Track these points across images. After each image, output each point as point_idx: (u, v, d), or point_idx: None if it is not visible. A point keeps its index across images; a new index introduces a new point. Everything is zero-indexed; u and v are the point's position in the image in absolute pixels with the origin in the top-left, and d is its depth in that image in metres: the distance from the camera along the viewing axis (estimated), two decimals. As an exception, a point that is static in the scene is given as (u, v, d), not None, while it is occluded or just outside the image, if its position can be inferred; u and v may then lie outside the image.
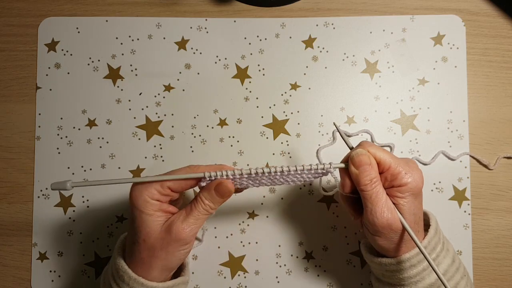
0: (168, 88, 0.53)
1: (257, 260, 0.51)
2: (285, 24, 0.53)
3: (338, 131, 0.42)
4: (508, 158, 0.51)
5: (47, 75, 0.53)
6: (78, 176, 0.52)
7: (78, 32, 0.53)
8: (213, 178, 0.39)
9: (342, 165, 0.40)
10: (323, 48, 0.53)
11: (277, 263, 0.51)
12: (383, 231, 0.38)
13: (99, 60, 0.53)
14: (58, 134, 0.53)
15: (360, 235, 0.51)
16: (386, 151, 0.40)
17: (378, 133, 0.52)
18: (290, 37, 0.53)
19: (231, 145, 0.52)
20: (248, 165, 0.52)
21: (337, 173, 0.42)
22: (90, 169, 0.52)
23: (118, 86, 0.53)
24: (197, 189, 0.41)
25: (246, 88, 0.53)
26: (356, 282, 0.51)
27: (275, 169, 0.39)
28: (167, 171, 0.52)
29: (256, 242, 0.51)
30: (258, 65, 0.53)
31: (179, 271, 0.45)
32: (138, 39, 0.53)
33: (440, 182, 0.51)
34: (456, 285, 0.40)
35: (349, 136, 0.52)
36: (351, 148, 0.41)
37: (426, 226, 0.42)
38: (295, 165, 0.39)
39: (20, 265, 0.52)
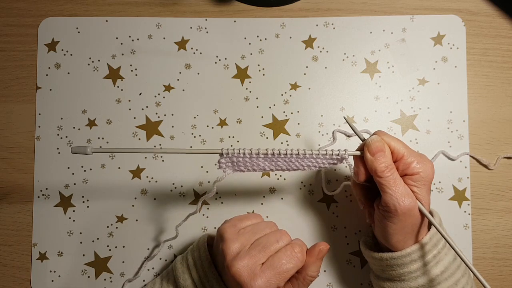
0: (168, 88, 0.53)
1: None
2: (285, 24, 0.53)
3: (349, 124, 0.43)
4: (508, 158, 0.51)
5: (47, 75, 0.53)
6: (78, 176, 0.52)
7: (78, 32, 0.53)
8: (230, 155, 0.40)
9: (358, 153, 0.41)
10: (323, 48, 0.53)
11: (277, 263, 0.51)
12: (402, 216, 0.39)
13: (99, 60, 0.53)
14: (58, 134, 0.53)
15: (360, 235, 0.51)
16: (400, 141, 0.41)
17: (378, 133, 0.52)
18: (290, 37, 0.53)
19: (231, 145, 0.52)
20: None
21: (351, 163, 0.43)
22: (90, 169, 0.52)
23: (118, 86, 0.53)
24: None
25: (246, 88, 0.53)
26: (356, 282, 0.51)
27: (291, 151, 0.40)
28: (167, 171, 0.52)
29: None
30: (258, 65, 0.53)
31: None
32: (138, 39, 0.53)
33: (440, 182, 0.51)
34: (456, 282, 0.41)
35: (348, 136, 0.52)
36: (363, 140, 0.42)
37: (429, 223, 0.43)
38: (311, 149, 0.40)
39: (20, 265, 0.52)
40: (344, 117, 0.44)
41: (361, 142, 0.42)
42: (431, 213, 0.45)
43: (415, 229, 0.40)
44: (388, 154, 0.40)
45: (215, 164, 0.52)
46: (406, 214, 0.39)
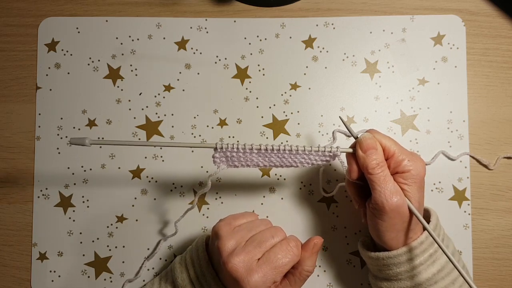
0: (168, 88, 0.53)
1: (257, 260, 0.51)
2: (285, 24, 0.53)
3: (343, 122, 0.43)
4: (508, 158, 0.51)
5: (47, 75, 0.53)
6: (78, 176, 0.52)
7: (78, 32, 0.53)
8: (224, 149, 0.40)
9: (350, 150, 0.42)
10: (323, 48, 0.53)
11: (277, 263, 0.51)
12: (390, 214, 0.39)
13: (99, 60, 0.53)
14: (58, 134, 0.53)
15: (360, 235, 0.51)
16: (392, 139, 0.41)
17: (378, 133, 0.52)
18: (290, 37, 0.53)
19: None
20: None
21: (344, 160, 0.43)
22: (90, 169, 0.52)
23: (118, 86, 0.53)
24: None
25: (246, 88, 0.53)
26: (356, 282, 0.51)
27: (284, 147, 0.41)
28: (167, 171, 0.52)
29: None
30: (258, 65, 0.53)
31: None
32: (138, 39, 0.53)
33: (440, 182, 0.51)
34: (453, 281, 0.41)
35: (348, 136, 0.52)
36: (356, 138, 0.42)
37: (427, 221, 0.43)
38: (303, 145, 0.41)
39: (20, 265, 0.52)
40: (339, 116, 0.44)
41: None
42: (427, 211, 0.45)
43: (405, 227, 0.40)
44: (380, 152, 0.40)
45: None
46: (394, 211, 0.39)
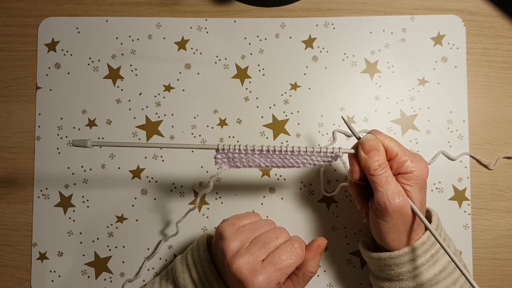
0: (168, 88, 0.53)
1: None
2: (285, 24, 0.53)
3: (346, 123, 0.43)
4: (508, 158, 0.51)
5: (47, 75, 0.53)
6: (78, 176, 0.52)
7: (78, 32, 0.53)
8: (225, 150, 0.40)
9: (352, 151, 0.42)
10: (323, 48, 0.53)
11: (277, 263, 0.51)
12: (393, 215, 0.39)
13: (99, 60, 0.53)
14: (58, 134, 0.53)
15: (360, 235, 0.51)
16: (394, 140, 0.41)
17: (378, 133, 0.52)
18: (290, 37, 0.53)
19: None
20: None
21: (346, 160, 0.43)
22: (90, 169, 0.52)
23: (118, 86, 0.53)
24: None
25: (246, 88, 0.53)
26: (356, 282, 0.51)
27: (286, 148, 0.41)
28: (167, 171, 0.52)
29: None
30: (258, 65, 0.53)
31: None
32: (138, 39, 0.53)
33: (440, 182, 0.51)
34: (455, 281, 0.41)
35: (348, 136, 0.52)
36: (358, 138, 0.42)
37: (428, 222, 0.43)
38: (305, 146, 0.41)
39: (20, 265, 0.52)
40: (342, 117, 0.44)
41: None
42: (428, 212, 0.45)
43: (408, 228, 0.40)
44: (382, 153, 0.40)
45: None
46: (397, 212, 0.39)
